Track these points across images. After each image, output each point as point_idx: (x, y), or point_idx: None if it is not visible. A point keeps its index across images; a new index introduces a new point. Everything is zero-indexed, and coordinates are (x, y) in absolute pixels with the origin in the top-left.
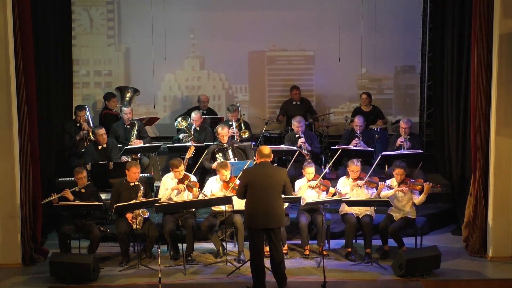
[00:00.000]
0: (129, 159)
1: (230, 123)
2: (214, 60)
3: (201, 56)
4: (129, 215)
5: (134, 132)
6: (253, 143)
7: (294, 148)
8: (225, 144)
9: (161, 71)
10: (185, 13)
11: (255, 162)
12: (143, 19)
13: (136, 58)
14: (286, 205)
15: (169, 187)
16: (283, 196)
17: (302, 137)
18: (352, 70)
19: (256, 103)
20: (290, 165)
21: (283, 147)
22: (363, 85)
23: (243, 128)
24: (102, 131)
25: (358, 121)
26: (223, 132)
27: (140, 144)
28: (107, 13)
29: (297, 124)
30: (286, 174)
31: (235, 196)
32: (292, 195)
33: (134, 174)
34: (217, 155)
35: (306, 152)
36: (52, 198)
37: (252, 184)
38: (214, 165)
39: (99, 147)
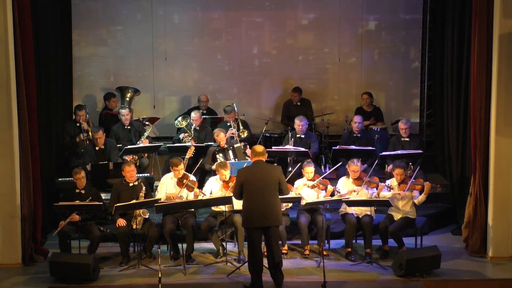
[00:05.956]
0: (136, 157)
1: (228, 124)
2: (214, 60)
3: (201, 56)
4: (120, 220)
5: (148, 131)
6: (245, 143)
7: (302, 149)
8: (225, 145)
9: (161, 71)
10: (185, 13)
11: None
12: (143, 19)
13: (136, 58)
14: (289, 205)
15: (167, 189)
16: (284, 196)
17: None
18: (352, 70)
19: (256, 102)
20: (297, 166)
21: (290, 148)
22: (363, 85)
23: (241, 128)
24: (98, 134)
25: (357, 119)
26: (218, 138)
27: (147, 144)
28: (107, 13)
29: (298, 122)
30: (281, 172)
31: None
32: (289, 194)
33: (128, 173)
34: (217, 156)
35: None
36: (61, 226)
37: (247, 183)
38: (214, 166)
39: (97, 148)
